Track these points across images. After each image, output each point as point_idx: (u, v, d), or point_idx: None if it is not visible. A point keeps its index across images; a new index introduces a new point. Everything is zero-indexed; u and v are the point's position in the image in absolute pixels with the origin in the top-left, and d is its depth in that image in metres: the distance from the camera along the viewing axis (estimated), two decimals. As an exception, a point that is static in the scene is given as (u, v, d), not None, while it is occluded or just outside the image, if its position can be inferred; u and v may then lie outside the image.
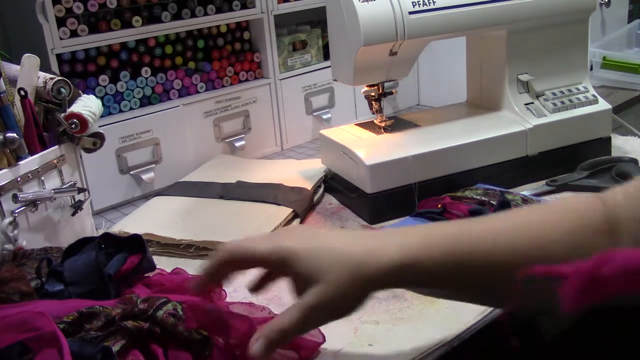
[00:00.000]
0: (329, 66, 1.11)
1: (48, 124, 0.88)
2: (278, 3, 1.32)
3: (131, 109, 1.18)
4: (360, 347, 0.67)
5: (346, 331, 0.70)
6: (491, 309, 0.70)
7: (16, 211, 0.78)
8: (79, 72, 1.12)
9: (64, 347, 0.53)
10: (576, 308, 0.37)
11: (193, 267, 0.84)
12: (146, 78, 1.19)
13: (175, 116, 1.21)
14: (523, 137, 1.04)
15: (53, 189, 0.83)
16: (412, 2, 0.96)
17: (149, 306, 0.61)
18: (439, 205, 0.92)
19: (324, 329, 0.65)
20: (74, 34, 1.07)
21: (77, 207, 0.88)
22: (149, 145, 1.17)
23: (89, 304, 0.62)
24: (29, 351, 0.56)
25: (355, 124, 1.13)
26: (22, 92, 0.83)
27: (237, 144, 1.30)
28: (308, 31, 1.42)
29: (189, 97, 1.24)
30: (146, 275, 0.75)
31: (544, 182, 1.04)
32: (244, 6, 1.28)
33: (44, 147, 0.85)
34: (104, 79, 1.14)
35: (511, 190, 0.99)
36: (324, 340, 0.66)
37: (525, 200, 0.92)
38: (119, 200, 1.15)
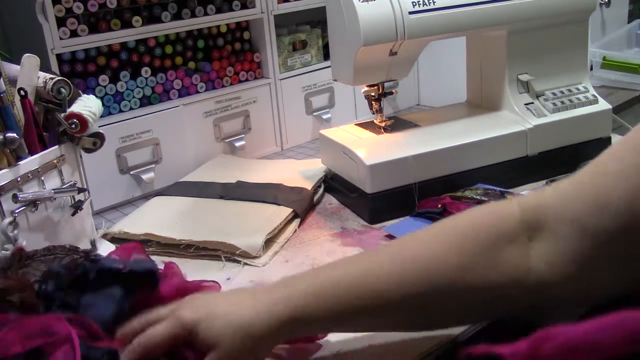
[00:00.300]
0: (329, 66, 1.11)
1: (48, 124, 0.88)
2: (278, 3, 1.32)
3: (131, 109, 1.18)
4: (360, 347, 0.67)
5: (346, 331, 0.70)
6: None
7: (16, 211, 0.78)
8: (79, 72, 1.12)
9: (77, 350, 0.54)
10: None
11: (193, 267, 0.84)
12: (146, 78, 1.19)
13: (175, 116, 1.21)
14: (523, 137, 1.04)
15: (53, 189, 0.83)
16: (412, 2, 0.96)
17: None
18: (439, 205, 0.92)
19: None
20: (74, 34, 1.07)
21: (77, 207, 0.88)
22: (149, 145, 1.17)
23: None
24: (43, 354, 0.57)
25: (355, 124, 1.13)
26: (22, 92, 0.82)
27: (237, 144, 1.30)
28: (308, 31, 1.42)
29: (189, 97, 1.24)
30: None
31: (544, 182, 1.04)
32: (244, 6, 1.28)
33: (44, 147, 0.85)
34: (104, 79, 1.14)
35: (511, 190, 0.99)
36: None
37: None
38: (119, 200, 1.15)
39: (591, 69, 1.58)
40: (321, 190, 1.10)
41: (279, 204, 1.00)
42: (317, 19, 1.49)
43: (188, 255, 0.91)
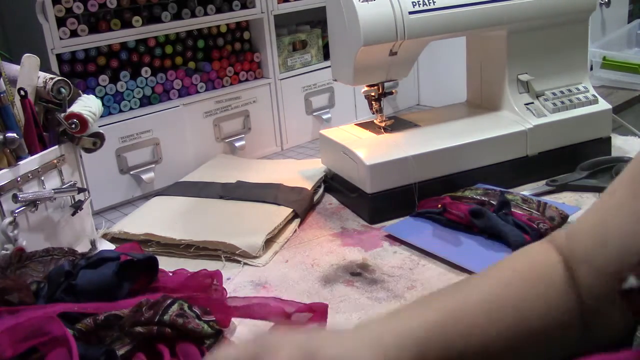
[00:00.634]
0: (329, 66, 1.11)
1: (48, 124, 0.88)
2: (278, 3, 1.32)
3: (131, 109, 1.18)
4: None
5: (346, 331, 0.70)
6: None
7: (16, 211, 0.78)
8: (79, 72, 1.12)
9: (73, 350, 0.55)
10: None
11: (193, 267, 0.84)
12: (146, 78, 1.19)
13: (175, 116, 1.21)
14: (523, 137, 1.04)
15: (53, 189, 0.83)
16: (412, 2, 0.96)
17: (154, 313, 0.62)
18: (439, 205, 0.92)
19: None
20: (74, 34, 1.07)
21: (77, 207, 0.88)
22: (149, 145, 1.17)
23: (103, 308, 0.63)
24: (37, 351, 0.57)
25: (355, 124, 1.13)
26: (22, 92, 0.82)
27: (237, 144, 1.30)
28: (308, 31, 1.42)
29: (189, 97, 1.24)
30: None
31: (544, 182, 1.04)
32: (244, 6, 1.28)
33: (44, 147, 0.85)
34: (104, 79, 1.14)
35: (511, 190, 0.99)
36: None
37: (525, 200, 0.92)
38: (119, 200, 1.15)
39: (591, 69, 1.58)
40: (321, 190, 1.10)
41: (279, 204, 1.00)
42: (317, 19, 1.49)
43: (188, 255, 0.91)
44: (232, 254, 0.89)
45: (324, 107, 1.44)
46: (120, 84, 1.15)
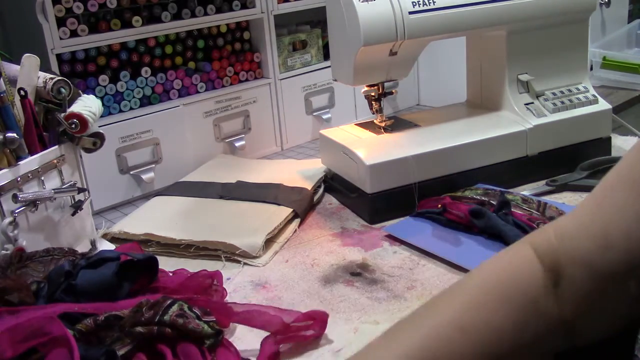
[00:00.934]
0: (329, 66, 1.11)
1: (48, 124, 0.88)
2: (278, 3, 1.32)
3: (131, 109, 1.18)
4: (360, 347, 0.67)
5: (346, 331, 0.70)
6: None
7: (16, 211, 0.78)
8: (79, 72, 1.12)
9: (74, 350, 0.55)
10: None
11: (193, 267, 0.84)
12: (146, 78, 1.19)
13: (175, 116, 1.21)
14: (523, 137, 1.04)
15: (53, 189, 0.83)
16: (412, 2, 0.96)
17: (154, 313, 0.62)
18: (439, 205, 0.92)
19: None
20: (74, 34, 1.07)
21: (77, 207, 0.88)
22: (149, 145, 1.17)
23: (103, 308, 0.63)
24: (37, 352, 0.57)
25: (355, 124, 1.13)
26: (22, 92, 0.82)
27: (237, 144, 1.30)
28: (308, 31, 1.42)
29: (189, 97, 1.24)
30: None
31: (544, 182, 1.04)
32: (244, 6, 1.28)
33: (44, 147, 0.85)
34: (104, 79, 1.14)
35: (511, 190, 0.99)
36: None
37: (525, 200, 0.92)
38: (119, 200, 1.15)
39: (591, 69, 1.58)
40: (321, 190, 1.10)
41: (279, 204, 1.00)
42: (317, 19, 1.49)
43: (188, 255, 0.91)
44: (232, 254, 0.89)
45: (324, 107, 1.44)
46: (120, 84, 1.15)
